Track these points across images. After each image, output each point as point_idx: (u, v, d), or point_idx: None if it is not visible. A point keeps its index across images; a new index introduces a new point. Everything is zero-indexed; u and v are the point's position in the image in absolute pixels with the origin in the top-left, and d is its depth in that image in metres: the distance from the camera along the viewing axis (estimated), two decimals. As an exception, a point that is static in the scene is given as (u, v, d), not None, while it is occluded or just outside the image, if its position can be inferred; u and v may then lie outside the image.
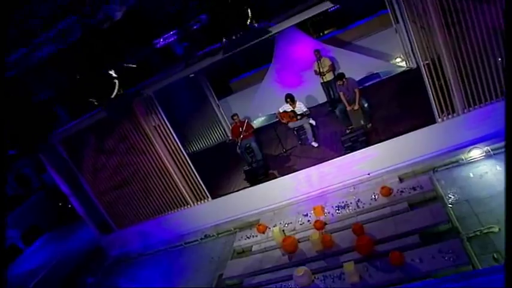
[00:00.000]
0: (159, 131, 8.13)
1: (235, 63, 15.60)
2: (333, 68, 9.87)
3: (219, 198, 8.59)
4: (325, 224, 7.08)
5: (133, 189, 8.88)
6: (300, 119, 8.66)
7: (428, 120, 7.21)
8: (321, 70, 9.69)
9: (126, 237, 9.52)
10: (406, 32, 9.80)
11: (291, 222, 7.58)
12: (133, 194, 8.93)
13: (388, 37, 10.94)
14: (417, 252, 5.45)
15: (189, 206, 8.78)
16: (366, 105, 8.19)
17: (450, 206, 6.12)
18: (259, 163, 8.62)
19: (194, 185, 8.53)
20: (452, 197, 6.30)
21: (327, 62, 9.73)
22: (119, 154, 8.48)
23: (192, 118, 11.96)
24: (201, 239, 8.80)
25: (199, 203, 8.70)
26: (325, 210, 7.36)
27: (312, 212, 7.39)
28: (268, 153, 9.56)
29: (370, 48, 11.28)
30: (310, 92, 10.98)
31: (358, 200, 7.16)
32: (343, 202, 7.32)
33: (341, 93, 8.37)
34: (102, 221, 9.50)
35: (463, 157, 6.88)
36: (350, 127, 8.42)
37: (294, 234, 7.25)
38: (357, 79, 10.63)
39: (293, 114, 8.71)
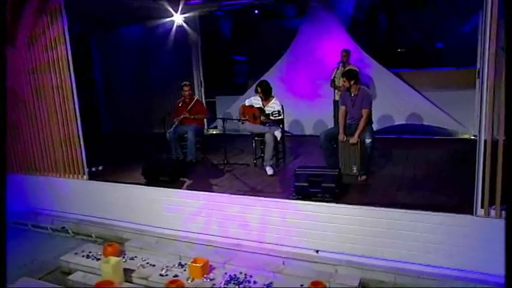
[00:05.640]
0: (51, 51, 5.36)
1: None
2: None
3: (99, 183, 5.54)
4: (189, 295, 3.72)
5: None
6: (264, 121, 5.40)
7: (462, 205, 3.74)
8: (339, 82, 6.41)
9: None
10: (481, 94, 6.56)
11: (154, 265, 4.31)
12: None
13: (463, 97, 7.33)
14: None
15: (58, 175, 5.82)
16: (368, 141, 4.78)
17: None
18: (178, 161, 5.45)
19: (72, 149, 5.57)
20: None
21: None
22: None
23: (167, 94, 8.98)
24: (53, 230, 5.74)
25: (70, 176, 5.70)
26: (210, 274, 4.00)
27: (190, 264, 4.06)
28: (208, 159, 6.37)
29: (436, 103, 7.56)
30: (324, 115, 7.32)
31: (269, 285, 3.72)
32: (245, 275, 3.92)
33: (342, 109, 5.05)
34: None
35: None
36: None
37: (139, 286, 3.97)
38: (391, 123, 7.22)
39: (258, 114, 5.50)
